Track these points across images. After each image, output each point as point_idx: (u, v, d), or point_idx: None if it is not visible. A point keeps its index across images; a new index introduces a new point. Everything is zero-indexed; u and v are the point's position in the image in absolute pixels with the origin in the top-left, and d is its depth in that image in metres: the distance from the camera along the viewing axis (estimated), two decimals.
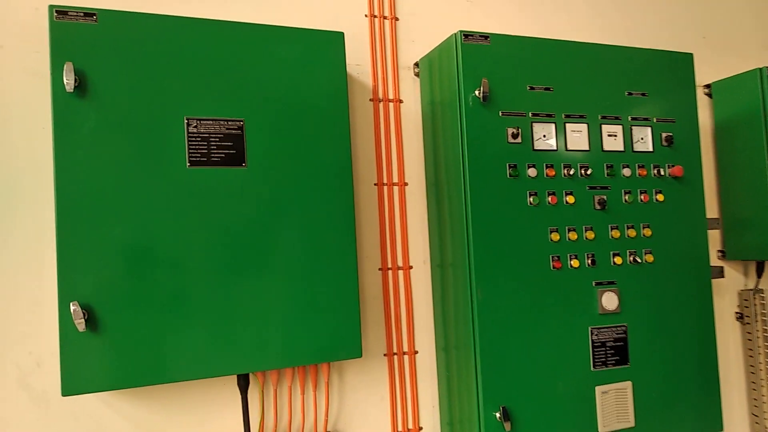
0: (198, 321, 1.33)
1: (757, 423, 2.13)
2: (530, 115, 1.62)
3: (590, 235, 1.66)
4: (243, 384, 1.48)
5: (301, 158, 1.45)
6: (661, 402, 1.71)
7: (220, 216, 1.36)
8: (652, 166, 1.76)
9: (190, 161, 1.35)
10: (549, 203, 1.62)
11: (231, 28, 1.41)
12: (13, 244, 1.38)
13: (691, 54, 1.84)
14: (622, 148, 1.73)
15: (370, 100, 1.74)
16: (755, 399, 2.13)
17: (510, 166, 1.58)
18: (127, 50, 1.31)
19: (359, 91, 1.73)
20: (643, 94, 1.77)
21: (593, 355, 1.64)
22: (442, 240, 1.69)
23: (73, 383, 1.23)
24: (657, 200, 1.75)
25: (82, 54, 1.26)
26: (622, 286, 1.69)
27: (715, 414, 1.78)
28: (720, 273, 1.95)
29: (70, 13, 1.26)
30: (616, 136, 1.73)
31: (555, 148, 1.64)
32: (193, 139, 1.35)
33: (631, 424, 1.66)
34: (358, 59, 1.73)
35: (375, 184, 1.73)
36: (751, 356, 2.14)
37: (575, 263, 1.63)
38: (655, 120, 1.78)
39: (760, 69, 1.99)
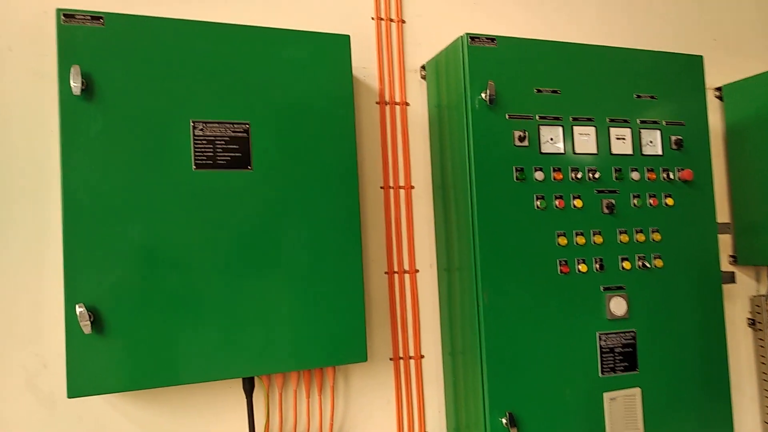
0: (203, 324, 1.33)
1: None
2: (537, 117, 1.61)
3: (598, 239, 1.64)
4: (248, 387, 1.48)
5: (307, 161, 1.45)
6: (671, 409, 1.68)
7: (226, 219, 1.37)
8: (661, 169, 1.74)
9: (196, 164, 1.35)
10: (556, 207, 1.60)
11: (237, 31, 1.41)
12: (21, 246, 1.39)
13: (701, 56, 1.82)
14: (630, 152, 1.71)
15: (377, 102, 1.74)
16: (767, 407, 2.10)
17: (517, 170, 1.57)
18: (134, 53, 1.31)
19: (366, 93, 1.73)
20: (652, 97, 1.75)
21: (601, 361, 1.62)
22: (449, 243, 1.68)
23: (78, 385, 1.24)
24: (666, 204, 1.73)
25: (89, 57, 1.27)
26: (631, 291, 1.67)
27: (726, 422, 1.76)
28: (731, 278, 1.92)
29: (77, 17, 1.27)
30: (624, 139, 1.71)
31: (562, 151, 1.63)
32: (199, 141, 1.36)
33: (640, 430, 1.64)
34: (364, 62, 1.73)
35: (381, 187, 1.72)
36: (763, 363, 2.11)
37: (583, 268, 1.61)
38: (664, 123, 1.76)
39: None
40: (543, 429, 1.55)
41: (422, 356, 1.74)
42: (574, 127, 1.65)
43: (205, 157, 1.36)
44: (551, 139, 1.62)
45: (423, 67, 1.80)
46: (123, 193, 1.28)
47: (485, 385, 1.52)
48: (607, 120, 1.69)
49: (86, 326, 1.21)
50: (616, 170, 1.68)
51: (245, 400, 1.49)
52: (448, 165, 1.67)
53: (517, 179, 1.57)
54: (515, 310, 1.55)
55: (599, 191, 1.66)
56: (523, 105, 1.60)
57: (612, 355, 1.64)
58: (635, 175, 1.70)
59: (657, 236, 1.71)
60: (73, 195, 1.25)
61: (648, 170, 1.72)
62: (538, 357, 1.56)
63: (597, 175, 1.65)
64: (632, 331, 1.66)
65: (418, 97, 1.79)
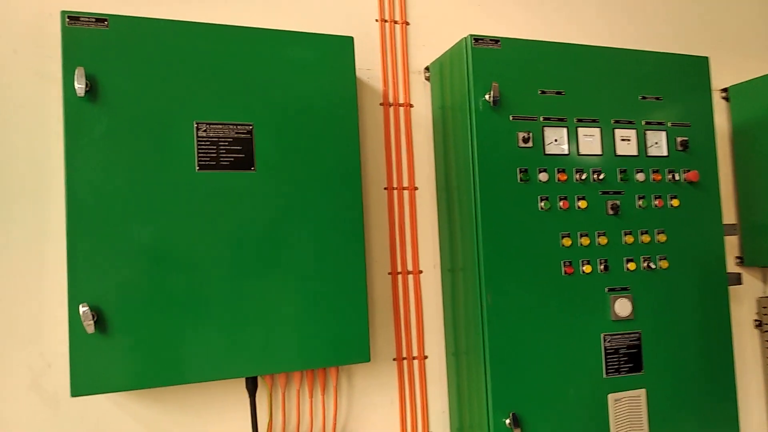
0: (206, 324, 1.34)
1: None
2: (541, 119, 1.61)
3: (603, 240, 1.63)
4: (251, 387, 1.48)
5: (310, 162, 1.45)
6: (676, 411, 1.68)
7: (229, 220, 1.37)
8: (666, 170, 1.73)
9: (199, 165, 1.36)
10: (560, 208, 1.60)
11: (240, 32, 1.42)
12: (26, 246, 1.40)
13: (707, 57, 1.81)
14: (635, 153, 1.71)
15: (381, 104, 1.74)
16: None
17: (521, 171, 1.57)
18: (138, 55, 1.32)
19: (370, 95, 1.73)
20: (658, 98, 1.74)
21: (606, 362, 1.62)
22: (453, 244, 1.68)
23: (82, 384, 1.24)
24: (672, 205, 1.72)
25: (94, 59, 1.28)
26: (636, 292, 1.66)
27: (732, 424, 1.75)
28: (737, 280, 1.91)
29: (81, 19, 1.27)
30: (629, 140, 1.71)
31: (567, 152, 1.63)
32: (203, 143, 1.36)
33: None
34: (368, 63, 1.73)
35: (385, 188, 1.73)
36: None
37: (587, 269, 1.61)
38: (669, 124, 1.75)
39: None
40: (547, 430, 1.55)
41: (426, 357, 1.74)
42: (579, 129, 1.65)
43: (208, 159, 1.36)
44: (555, 140, 1.62)
45: (427, 69, 1.80)
46: (126, 194, 1.29)
47: (489, 386, 1.51)
48: (612, 121, 1.69)
49: (89, 326, 1.22)
50: (621, 171, 1.68)
51: (248, 399, 1.49)
52: (452, 166, 1.67)
53: (521, 180, 1.57)
54: (519, 311, 1.55)
55: (604, 192, 1.66)
56: (527, 106, 1.60)
57: (617, 356, 1.63)
58: (640, 176, 1.70)
59: (662, 237, 1.70)
60: (76, 196, 1.26)
61: (653, 171, 1.72)
62: (541, 358, 1.56)
63: (602, 177, 1.64)
64: (637, 332, 1.65)
65: (421, 99, 1.79)
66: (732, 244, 2.12)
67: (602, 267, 1.63)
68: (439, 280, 1.77)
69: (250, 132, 1.41)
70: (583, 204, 1.62)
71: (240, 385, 1.52)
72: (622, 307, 1.64)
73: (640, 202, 1.69)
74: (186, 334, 1.32)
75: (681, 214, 1.73)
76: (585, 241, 1.61)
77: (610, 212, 1.65)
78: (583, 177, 1.63)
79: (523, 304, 1.55)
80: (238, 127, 1.40)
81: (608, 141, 1.68)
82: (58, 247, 1.38)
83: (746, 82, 2.09)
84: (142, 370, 1.29)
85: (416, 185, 1.76)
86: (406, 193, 1.75)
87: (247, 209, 1.39)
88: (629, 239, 1.66)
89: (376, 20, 1.76)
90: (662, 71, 1.76)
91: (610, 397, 1.61)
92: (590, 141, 1.66)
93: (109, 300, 1.27)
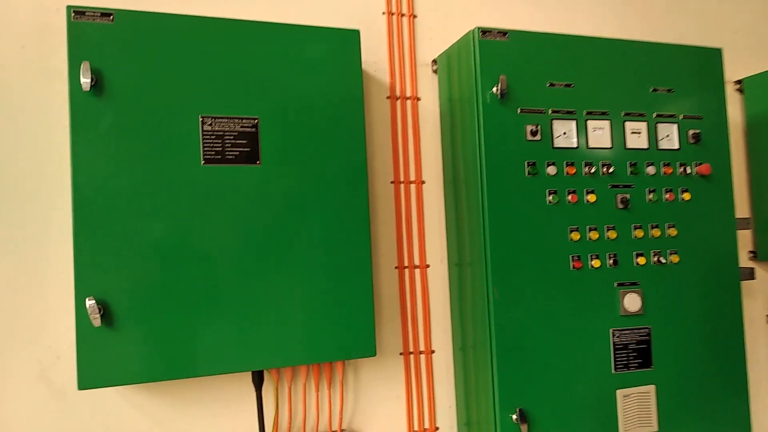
0: (212, 317, 1.34)
1: None
2: (550, 112, 1.59)
3: (612, 234, 1.61)
4: (257, 381, 1.49)
5: (316, 156, 1.45)
6: (687, 407, 1.66)
7: (234, 213, 1.37)
8: (678, 164, 1.70)
9: (204, 159, 1.36)
10: (569, 202, 1.58)
11: (246, 26, 1.42)
12: (35, 240, 1.41)
13: (720, 49, 1.77)
14: (646, 146, 1.68)
15: (388, 97, 1.73)
16: None
17: (529, 164, 1.56)
18: (143, 49, 1.32)
19: (376, 88, 1.72)
20: (669, 91, 1.72)
21: (614, 357, 1.60)
22: (460, 238, 1.67)
23: (89, 377, 1.25)
24: (683, 199, 1.70)
25: (99, 53, 1.28)
26: (646, 287, 1.64)
27: (744, 421, 1.72)
28: (750, 274, 1.88)
29: (87, 13, 1.28)
30: (640, 133, 1.68)
31: (576, 145, 1.61)
32: (208, 137, 1.36)
33: (654, 429, 1.61)
34: (375, 57, 1.72)
35: (392, 182, 1.72)
36: None
37: (596, 263, 1.59)
38: (681, 117, 1.72)
39: None
40: (554, 426, 1.54)
41: (433, 351, 1.73)
42: (588, 122, 1.63)
43: (213, 152, 1.36)
44: (564, 133, 1.60)
45: (434, 62, 1.79)
46: (132, 188, 1.30)
47: (495, 381, 1.51)
48: (622, 114, 1.66)
49: (96, 319, 1.23)
50: (631, 165, 1.65)
51: (254, 393, 1.50)
52: (459, 160, 1.66)
53: (529, 174, 1.56)
54: (527, 306, 1.53)
55: (613, 186, 1.63)
56: (536, 99, 1.58)
57: (626, 351, 1.62)
58: (651, 170, 1.67)
59: (673, 231, 1.68)
60: (82, 190, 1.26)
61: (664, 165, 1.69)
62: (549, 353, 1.54)
63: (611, 170, 1.62)
64: (647, 328, 1.64)
65: (429, 92, 1.78)
66: (745, 239, 2.08)
67: (611, 261, 1.61)
68: (446, 275, 1.76)
69: (255, 126, 1.40)
70: (592, 198, 1.60)
71: (246, 379, 1.53)
72: (632, 302, 1.62)
73: (651, 196, 1.66)
74: (192, 327, 1.33)
75: (692, 208, 1.71)
76: (594, 235, 1.60)
77: (620, 206, 1.63)
78: (593, 170, 1.61)
79: (530, 299, 1.54)
80: (244, 120, 1.39)
81: (618, 134, 1.65)
82: (67, 240, 1.39)
83: (761, 74, 2.05)
84: (149, 364, 1.30)
85: (423, 179, 1.75)
86: (413, 186, 1.74)
87: (252, 203, 1.39)
88: (639, 233, 1.64)
89: (383, 13, 1.75)
90: (674, 63, 1.73)
91: (619, 393, 1.59)
92: (600, 134, 1.64)
93: (115, 294, 1.27)
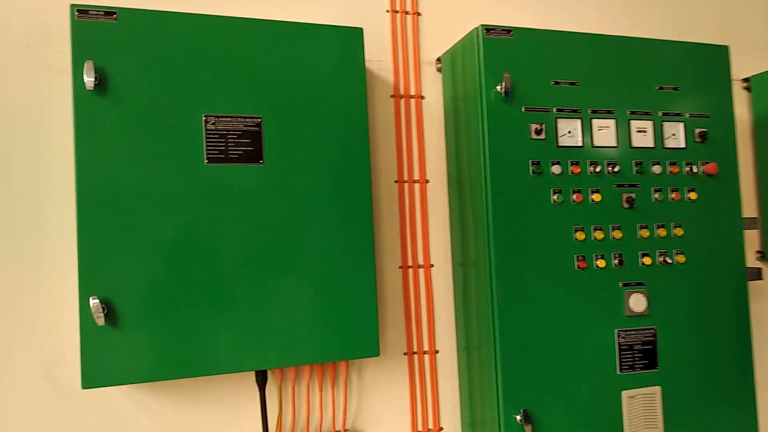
0: (215, 317, 1.34)
1: None
2: (554, 110, 1.58)
3: (617, 234, 1.60)
4: (261, 380, 1.48)
5: (319, 155, 1.45)
6: (693, 409, 1.64)
7: (237, 213, 1.37)
8: (684, 163, 1.69)
9: (208, 158, 1.36)
10: (574, 201, 1.57)
11: (249, 25, 1.41)
12: (41, 239, 1.42)
13: (727, 47, 1.76)
14: (652, 145, 1.67)
15: (391, 96, 1.72)
16: None
17: (533, 163, 1.55)
18: (147, 48, 1.32)
19: (380, 87, 1.71)
20: (676, 89, 1.70)
21: (620, 358, 1.59)
22: (464, 238, 1.66)
23: (93, 376, 1.26)
24: (689, 199, 1.68)
25: (103, 52, 1.28)
26: (651, 287, 1.63)
27: (751, 423, 1.71)
28: (758, 275, 1.87)
29: (90, 12, 1.28)
30: (645, 131, 1.67)
31: (581, 144, 1.60)
32: (211, 136, 1.36)
33: (660, 430, 1.60)
34: (379, 55, 1.72)
35: (396, 181, 1.71)
36: None
37: (601, 263, 1.58)
38: (687, 115, 1.71)
39: None
40: (559, 427, 1.53)
41: (437, 351, 1.73)
42: (593, 120, 1.62)
43: (217, 152, 1.36)
44: (569, 132, 1.59)
45: (438, 60, 1.78)
46: (136, 188, 1.30)
47: (499, 382, 1.50)
48: (628, 112, 1.65)
49: (100, 318, 1.23)
50: (636, 164, 1.64)
51: (258, 393, 1.49)
52: (463, 159, 1.65)
53: (533, 173, 1.55)
54: (531, 306, 1.53)
55: (619, 185, 1.62)
56: (540, 97, 1.57)
57: (631, 352, 1.60)
58: (657, 169, 1.66)
59: (679, 231, 1.66)
60: (86, 189, 1.26)
61: (670, 164, 1.68)
62: (554, 353, 1.54)
63: (617, 169, 1.61)
64: (652, 328, 1.62)
65: (433, 90, 1.77)
66: (753, 239, 2.06)
67: (616, 261, 1.60)
68: (451, 274, 1.76)
69: (258, 125, 1.40)
70: (597, 197, 1.59)
71: (249, 379, 1.53)
72: (637, 302, 1.61)
73: (657, 195, 1.65)
74: (195, 327, 1.33)
75: (699, 208, 1.70)
76: (599, 234, 1.59)
77: (625, 205, 1.62)
78: (598, 170, 1.60)
79: (534, 299, 1.53)
80: (247, 119, 1.39)
81: (623, 133, 1.64)
82: (73, 239, 1.39)
83: None
84: (152, 363, 1.30)
85: (427, 178, 1.75)
86: (417, 186, 1.73)
87: (255, 202, 1.38)
88: (645, 233, 1.63)
89: (387, 11, 1.74)
90: (680, 61, 1.72)
91: (624, 394, 1.58)
92: (605, 133, 1.63)
93: (119, 293, 1.27)
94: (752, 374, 1.71)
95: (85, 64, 1.24)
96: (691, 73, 1.72)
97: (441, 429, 1.72)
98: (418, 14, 1.77)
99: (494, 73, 1.53)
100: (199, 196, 1.34)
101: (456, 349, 1.74)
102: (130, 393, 1.45)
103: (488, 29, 1.54)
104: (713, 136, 1.72)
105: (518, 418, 1.49)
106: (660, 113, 1.68)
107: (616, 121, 1.64)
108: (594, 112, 1.62)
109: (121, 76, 1.30)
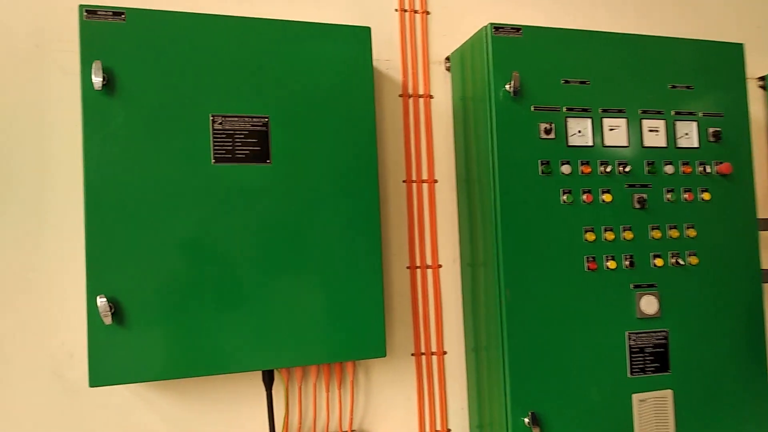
0: (222, 316, 1.34)
1: None
2: (564, 109, 1.56)
3: (628, 235, 1.58)
4: (268, 380, 1.48)
5: (326, 155, 1.44)
6: (705, 413, 1.62)
7: (244, 212, 1.37)
8: (697, 163, 1.67)
9: (215, 158, 1.36)
10: (584, 201, 1.56)
11: (256, 24, 1.41)
12: (51, 237, 1.43)
13: (742, 44, 1.73)
14: (664, 144, 1.65)
15: (400, 95, 1.72)
16: None
17: (542, 163, 1.53)
18: (155, 48, 1.33)
19: (389, 86, 1.71)
20: (689, 87, 1.68)
21: (630, 361, 1.57)
22: (473, 238, 1.65)
23: (100, 375, 1.26)
24: (702, 199, 1.66)
25: (111, 52, 1.29)
26: (663, 289, 1.60)
27: (765, 428, 1.68)
28: None
29: (99, 13, 1.28)
30: (657, 131, 1.65)
31: (591, 144, 1.58)
32: (218, 135, 1.36)
33: None
34: (387, 54, 1.71)
35: (404, 181, 1.70)
36: None
37: (612, 264, 1.56)
38: (701, 114, 1.68)
39: None
40: (568, 429, 1.51)
41: (445, 352, 1.72)
42: (604, 119, 1.60)
43: (224, 151, 1.36)
44: (579, 131, 1.57)
45: (447, 59, 1.77)
46: (143, 187, 1.30)
47: (507, 384, 1.49)
48: (640, 111, 1.63)
49: (107, 317, 1.23)
50: (648, 164, 1.62)
51: (265, 393, 1.49)
52: (472, 158, 1.64)
53: (542, 173, 1.53)
54: (540, 307, 1.51)
55: (630, 185, 1.60)
56: (550, 96, 1.56)
57: (642, 355, 1.58)
58: (669, 169, 1.64)
59: (692, 232, 1.64)
60: (94, 188, 1.27)
61: (683, 164, 1.65)
62: (563, 356, 1.52)
63: (628, 169, 1.59)
64: (664, 331, 1.60)
65: (442, 90, 1.76)
66: None
67: (627, 263, 1.58)
68: (459, 275, 1.74)
69: (265, 124, 1.40)
70: (607, 197, 1.57)
71: (256, 379, 1.53)
72: (648, 304, 1.59)
73: (669, 196, 1.63)
74: (202, 327, 1.33)
75: (712, 209, 1.67)
76: (609, 235, 1.57)
77: (637, 206, 1.59)
78: (608, 170, 1.58)
79: (543, 300, 1.51)
80: (254, 119, 1.39)
81: (635, 132, 1.62)
82: (81, 238, 1.40)
83: None
84: (159, 363, 1.30)
85: (436, 178, 1.74)
86: (425, 186, 1.72)
87: (262, 202, 1.38)
88: (657, 234, 1.61)
89: (396, 10, 1.73)
90: (693, 59, 1.69)
91: (635, 397, 1.56)
92: (616, 132, 1.61)
93: (126, 292, 1.28)
94: (766, 378, 1.68)
95: (94, 64, 1.25)
96: (705, 71, 1.70)
97: (449, 430, 1.71)
98: (427, 13, 1.76)
99: (503, 72, 1.52)
100: (206, 196, 1.34)
101: (464, 350, 1.73)
102: (137, 392, 1.46)
103: (497, 28, 1.52)
104: (727, 136, 1.69)
105: (526, 420, 1.47)
106: (672, 112, 1.66)
107: (628, 121, 1.62)
108: (605, 111, 1.60)
109: (129, 76, 1.30)
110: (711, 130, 1.68)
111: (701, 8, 2.05)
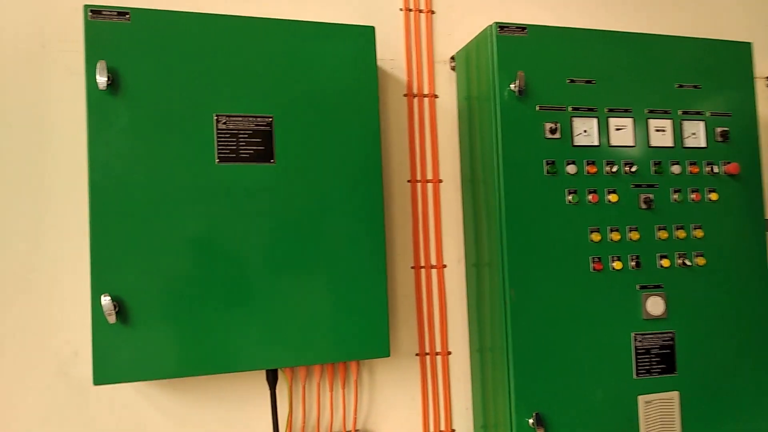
0: (226, 316, 1.35)
1: None
2: (570, 109, 1.55)
3: (635, 235, 1.57)
4: (272, 379, 1.48)
5: (330, 155, 1.44)
6: (712, 415, 1.60)
7: (248, 212, 1.37)
8: (704, 163, 1.65)
9: (219, 157, 1.36)
10: (589, 202, 1.55)
11: (261, 24, 1.41)
12: (57, 236, 1.43)
13: (750, 43, 1.71)
14: (671, 144, 1.63)
15: (405, 95, 1.71)
16: None
17: (547, 163, 1.52)
18: (159, 48, 1.33)
19: (393, 86, 1.70)
20: (696, 87, 1.66)
21: (636, 362, 1.56)
22: (478, 239, 1.64)
23: (104, 373, 1.27)
24: (710, 199, 1.64)
25: (115, 52, 1.30)
26: (670, 290, 1.59)
27: None
28: None
29: (104, 13, 1.29)
30: (664, 131, 1.63)
31: (597, 143, 1.57)
32: (222, 135, 1.36)
33: None
34: (392, 54, 1.70)
35: (408, 181, 1.70)
36: None
37: (617, 265, 1.55)
38: (709, 114, 1.67)
39: None
40: (572, 431, 1.50)
41: (449, 352, 1.71)
42: (610, 119, 1.59)
43: (228, 151, 1.36)
44: (585, 131, 1.56)
45: (453, 58, 1.76)
46: (147, 186, 1.30)
47: (511, 384, 1.48)
48: (646, 111, 1.62)
49: (111, 316, 1.24)
50: (655, 164, 1.61)
51: (269, 392, 1.49)
52: (477, 158, 1.63)
53: (547, 173, 1.52)
54: (545, 308, 1.50)
55: (636, 185, 1.59)
56: (555, 96, 1.55)
57: (648, 356, 1.57)
58: (676, 169, 1.62)
59: (699, 233, 1.62)
60: (99, 188, 1.28)
61: (690, 164, 1.64)
62: (568, 357, 1.51)
63: (634, 169, 1.58)
64: (671, 332, 1.59)
65: (447, 89, 1.76)
66: None
67: (633, 263, 1.57)
68: (464, 275, 1.74)
69: (269, 124, 1.40)
70: (613, 198, 1.56)
71: (260, 378, 1.53)
72: (655, 305, 1.58)
73: (676, 196, 1.61)
74: (205, 325, 1.33)
75: (720, 209, 1.65)
76: (615, 236, 1.56)
77: (643, 206, 1.58)
78: (614, 170, 1.56)
79: (548, 301, 1.51)
80: (258, 119, 1.39)
81: (641, 132, 1.61)
82: (86, 238, 1.41)
83: None
84: (163, 361, 1.30)
85: (441, 178, 1.73)
86: (430, 186, 1.72)
87: (265, 202, 1.39)
88: (663, 234, 1.59)
89: (401, 9, 1.73)
90: (701, 58, 1.67)
91: (641, 398, 1.55)
92: (622, 132, 1.59)
93: (130, 291, 1.28)
94: None
95: (98, 64, 1.26)
96: (713, 70, 1.68)
97: (453, 430, 1.70)
98: (432, 12, 1.76)
99: (508, 71, 1.51)
100: (209, 196, 1.35)
101: (469, 350, 1.73)
102: (141, 389, 1.46)
103: (502, 27, 1.52)
104: (735, 136, 1.68)
105: (530, 421, 1.47)
106: (680, 112, 1.64)
107: (634, 120, 1.60)
108: (611, 110, 1.59)
109: (134, 75, 1.31)
110: (719, 129, 1.66)
111: (709, 7, 2.03)
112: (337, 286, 1.43)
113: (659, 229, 1.59)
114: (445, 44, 1.76)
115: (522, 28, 1.53)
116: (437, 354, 1.70)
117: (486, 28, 1.55)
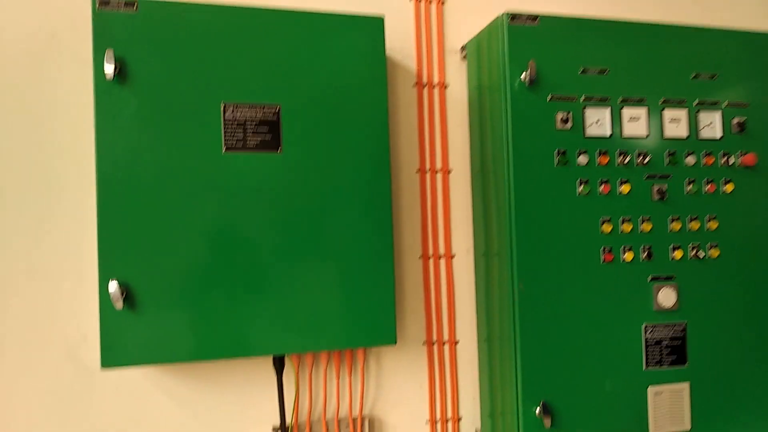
0: (232, 302, 1.36)
1: None
2: (582, 99, 1.53)
3: (647, 227, 1.55)
4: (278, 365, 1.50)
5: (338, 144, 1.44)
6: (722, 406, 1.59)
7: (255, 201, 1.38)
8: (720, 153, 1.62)
9: (226, 146, 1.37)
10: (601, 193, 1.53)
11: (268, 13, 1.41)
12: (67, 222, 1.46)
13: None
14: (686, 135, 1.60)
15: (415, 84, 1.70)
16: None
17: (558, 153, 1.51)
18: (166, 37, 1.34)
19: (403, 75, 1.69)
20: (712, 77, 1.63)
21: (646, 353, 1.55)
22: (487, 229, 1.64)
23: (111, 357, 1.29)
24: (725, 191, 1.61)
25: (123, 42, 1.30)
26: (682, 281, 1.57)
27: None
28: None
29: (111, 2, 1.30)
30: (679, 121, 1.60)
31: (609, 134, 1.54)
32: (230, 124, 1.37)
33: (687, 427, 1.56)
34: (402, 43, 1.69)
35: (418, 171, 1.69)
36: None
37: (629, 256, 1.53)
38: (725, 104, 1.63)
39: None
40: (581, 420, 1.50)
41: (457, 341, 1.71)
42: (623, 109, 1.56)
43: (235, 140, 1.37)
44: (597, 121, 1.54)
45: (463, 48, 1.74)
46: (154, 175, 1.32)
47: (519, 373, 1.48)
48: (660, 101, 1.59)
49: (118, 302, 1.26)
50: (669, 154, 1.58)
51: (276, 378, 1.51)
52: (487, 148, 1.62)
53: (558, 163, 1.51)
54: (553, 298, 1.49)
55: (649, 176, 1.57)
56: (567, 86, 1.52)
57: (659, 347, 1.56)
58: (690, 160, 1.59)
59: (713, 224, 1.60)
60: (106, 176, 1.29)
61: (705, 154, 1.61)
62: (576, 347, 1.50)
63: (647, 160, 1.55)
64: (682, 323, 1.57)
65: (457, 79, 1.74)
66: None
67: (645, 255, 1.55)
68: (472, 265, 1.73)
69: (277, 113, 1.40)
70: (626, 188, 1.54)
71: (267, 364, 1.55)
72: (666, 296, 1.56)
73: (690, 187, 1.59)
74: (211, 311, 1.34)
75: (735, 200, 1.62)
76: (627, 227, 1.54)
77: (656, 197, 1.56)
78: (627, 160, 1.54)
79: (557, 292, 1.50)
80: (265, 108, 1.40)
81: (655, 122, 1.58)
82: (94, 225, 1.43)
83: None
84: (170, 346, 1.32)
85: (450, 168, 1.72)
86: (439, 175, 1.71)
87: (273, 190, 1.39)
88: (676, 226, 1.57)
89: None
90: (717, 48, 1.64)
91: (650, 389, 1.54)
92: (636, 122, 1.57)
93: (138, 277, 1.30)
94: None
95: (106, 54, 1.26)
96: (729, 60, 1.64)
97: (460, 418, 1.71)
98: (443, 2, 1.74)
99: (519, 61, 1.49)
100: (216, 184, 1.35)
101: (477, 339, 1.73)
102: (149, 374, 1.49)
103: (513, 16, 1.50)
104: (752, 126, 1.64)
105: (537, 410, 1.47)
106: (695, 102, 1.61)
107: (648, 110, 1.58)
108: (624, 100, 1.56)
109: (141, 65, 1.32)
110: (735, 120, 1.63)
111: None
112: (344, 274, 1.43)
113: (672, 221, 1.57)
114: (456, 34, 1.74)
115: (533, 17, 1.51)
116: (445, 343, 1.70)
117: (497, 17, 1.53)
